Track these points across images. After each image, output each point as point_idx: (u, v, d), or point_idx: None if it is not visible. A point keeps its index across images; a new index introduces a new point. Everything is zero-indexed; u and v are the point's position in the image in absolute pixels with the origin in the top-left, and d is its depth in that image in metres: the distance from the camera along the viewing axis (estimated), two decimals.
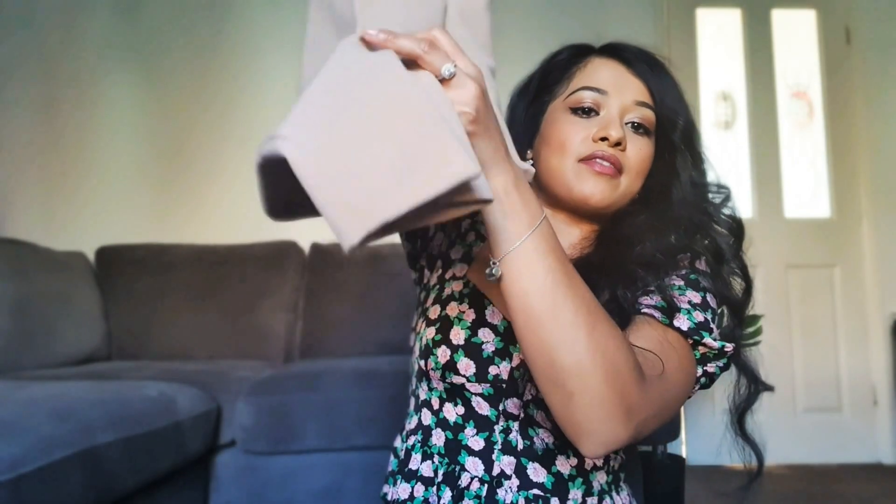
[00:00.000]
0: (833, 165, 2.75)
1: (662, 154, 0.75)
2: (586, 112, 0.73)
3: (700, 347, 0.65)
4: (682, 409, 2.54)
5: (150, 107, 2.56)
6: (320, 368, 1.58)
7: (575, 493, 0.69)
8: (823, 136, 2.78)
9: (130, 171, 2.53)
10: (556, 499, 0.68)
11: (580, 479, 0.70)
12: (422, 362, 0.73)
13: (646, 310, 0.65)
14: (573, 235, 0.76)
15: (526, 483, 0.68)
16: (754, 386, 0.73)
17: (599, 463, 0.72)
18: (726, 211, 0.75)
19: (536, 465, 0.68)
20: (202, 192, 2.51)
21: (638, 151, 0.72)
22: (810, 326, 2.67)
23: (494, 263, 0.53)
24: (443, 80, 0.47)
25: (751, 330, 2.30)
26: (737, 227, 0.74)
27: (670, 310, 0.64)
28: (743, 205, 2.75)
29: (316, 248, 2.22)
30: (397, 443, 0.81)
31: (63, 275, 1.98)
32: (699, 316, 0.65)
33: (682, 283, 0.68)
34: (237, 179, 2.49)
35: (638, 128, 0.73)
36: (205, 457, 1.47)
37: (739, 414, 0.75)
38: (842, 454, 2.60)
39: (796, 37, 2.82)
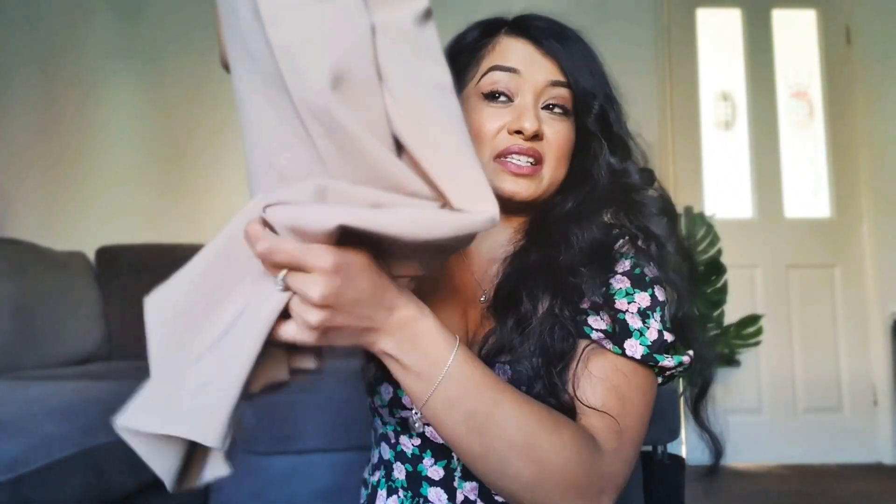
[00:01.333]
0: (833, 165, 2.75)
1: (581, 135, 0.70)
2: (498, 97, 0.67)
3: (657, 368, 0.63)
4: (682, 409, 2.54)
5: (150, 107, 2.56)
6: (320, 368, 1.57)
7: None
8: (824, 136, 2.78)
9: (131, 172, 2.53)
10: None
11: None
12: (369, 400, 0.72)
13: (595, 335, 0.62)
14: (505, 233, 0.71)
15: None
16: (707, 374, 0.71)
17: None
18: (651, 193, 0.69)
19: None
20: (202, 192, 2.51)
21: (556, 135, 0.67)
22: (810, 326, 2.67)
23: (416, 413, 0.53)
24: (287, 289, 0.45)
25: (751, 330, 2.31)
26: (666, 206, 0.69)
27: (621, 335, 0.61)
28: (743, 205, 2.75)
29: None
30: (366, 474, 0.79)
31: (63, 275, 1.98)
32: (652, 333, 0.62)
33: (627, 283, 0.64)
34: (237, 180, 2.48)
35: (554, 108, 0.68)
36: None
37: (694, 404, 0.73)
38: (842, 454, 2.60)
39: (797, 37, 2.82)
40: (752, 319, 2.26)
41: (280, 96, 0.47)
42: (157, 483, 1.22)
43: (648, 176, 0.70)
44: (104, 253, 2.19)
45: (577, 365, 0.61)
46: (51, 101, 2.53)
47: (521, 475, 0.50)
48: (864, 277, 2.69)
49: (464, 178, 0.47)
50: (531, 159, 0.66)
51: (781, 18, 2.81)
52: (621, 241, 0.68)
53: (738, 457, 2.59)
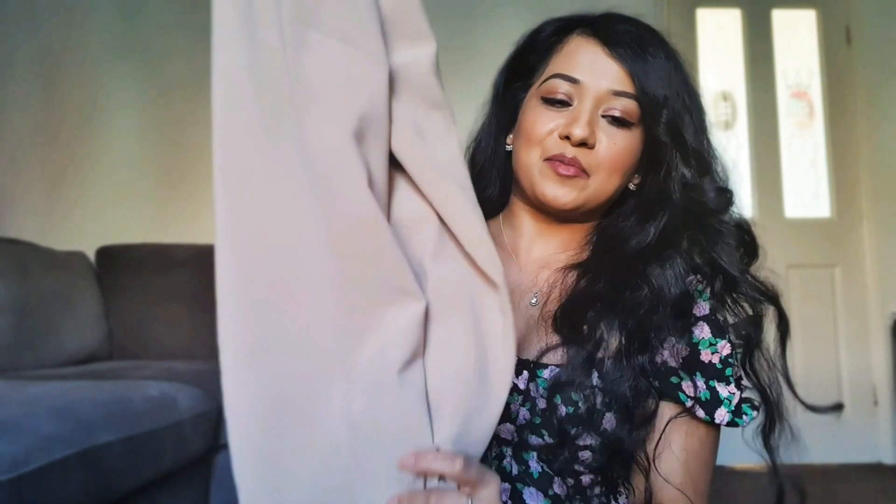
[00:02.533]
0: (833, 165, 2.74)
1: (652, 147, 0.66)
2: (559, 104, 0.65)
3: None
4: None
5: (150, 107, 2.56)
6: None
7: None
8: (824, 136, 2.78)
9: (131, 171, 2.53)
10: None
11: (578, 498, 0.65)
12: None
13: (689, 403, 0.61)
14: (556, 239, 0.70)
15: None
16: (775, 414, 0.70)
17: (597, 478, 0.68)
18: (730, 218, 0.65)
19: (532, 489, 0.64)
20: (203, 191, 2.51)
21: (612, 146, 0.64)
22: (811, 326, 2.67)
23: None
24: None
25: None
26: (745, 235, 0.65)
27: (712, 404, 0.61)
28: (743, 205, 2.74)
29: None
30: None
31: (64, 274, 1.98)
32: (737, 396, 0.63)
33: (708, 332, 0.62)
34: None
35: (615, 121, 0.64)
36: (206, 456, 1.47)
37: (765, 443, 0.72)
38: (842, 454, 2.60)
39: (797, 37, 2.82)
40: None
41: (280, 140, 0.45)
42: (158, 482, 1.22)
43: (726, 198, 0.67)
44: (104, 253, 2.19)
45: (660, 435, 0.60)
46: (51, 101, 2.53)
47: None
48: (864, 277, 2.69)
49: (470, 242, 0.49)
50: (572, 171, 0.63)
51: (781, 18, 2.81)
52: (692, 276, 0.65)
53: (738, 457, 2.58)
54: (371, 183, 0.44)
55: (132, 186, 2.52)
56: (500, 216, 0.76)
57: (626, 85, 0.64)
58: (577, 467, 0.62)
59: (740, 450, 2.64)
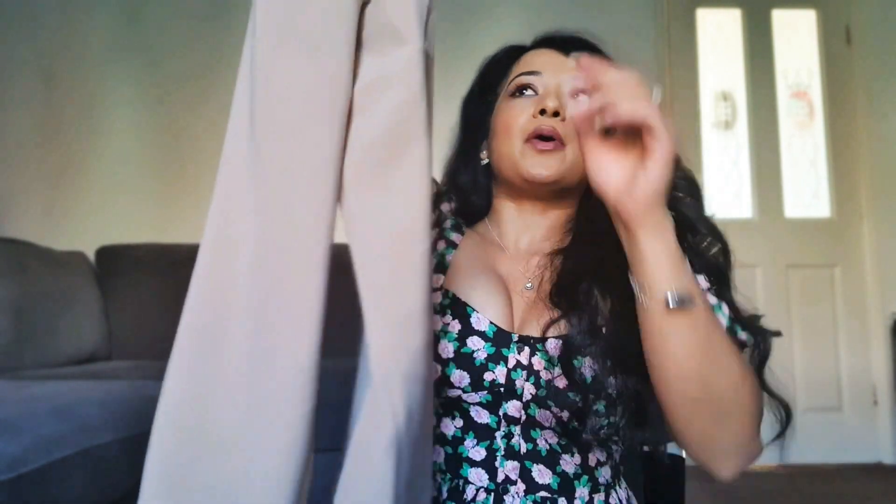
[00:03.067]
0: (833, 165, 2.75)
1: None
2: (525, 92, 0.74)
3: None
4: None
5: (150, 107, 2.56)
6: (320, 367, 1.57)
7: (581, 492, 0.68)
8: (824, 136, 2.78)
9: (131, 171, 2.53)
10: (563, 499, 0.67)
11: (586, 477, 0.69)
12: None
13: None
14: (542, 228, 0.77)
15: (532, 486, 0.66)
16: (760, 340, 0.72)
17: (603, 458, 0.71)
18: (682, 173, 0.72)
19: (541, 466, 0.67)
20: (203, 191, 2.51)
21: None
22: (810, 326, 2.67)
23: (679, 296, 0.53)
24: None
25: None
26: (691, 187, 0.72)
27: None
28: (743, 205, 2.75)
29: None
30: None
31: (63, 274, 1.98)
32: (726, 309, 0.66)
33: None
34: None
35: (576, 95, 0.72)
36: None
37: (758, 370, 0.73)
38: (842, 454, 2.60)
39: (796, 37, 2.82)
40: (753, 319, 2.26)
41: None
42: None
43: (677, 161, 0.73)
44: (104, 253, 2.19)
45: None
46: (51, 100, 2.53)
47: (732, 369, 0.54)
48: (864, 277, 2.69)
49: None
50: (550, 135, 0.70)
51: (781, 18, 2.81)
52: None
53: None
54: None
55: (132, 186, 2.52)
56: (486, 218, 0.82)
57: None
58: (588, 437, 0.65)
59: None
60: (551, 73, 0.73)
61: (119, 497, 1.08)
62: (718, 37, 2.81)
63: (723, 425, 0.53)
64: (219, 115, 2.68)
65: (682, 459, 2.02)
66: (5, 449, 0.86)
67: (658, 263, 0.53)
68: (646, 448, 0.72)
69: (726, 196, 2.75)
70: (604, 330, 0.65)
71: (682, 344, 0.54)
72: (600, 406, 0.64)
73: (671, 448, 1.89)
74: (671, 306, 0.53)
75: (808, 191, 2.77)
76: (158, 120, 2.55)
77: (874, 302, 2.65)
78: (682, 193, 0.70)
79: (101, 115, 2.54)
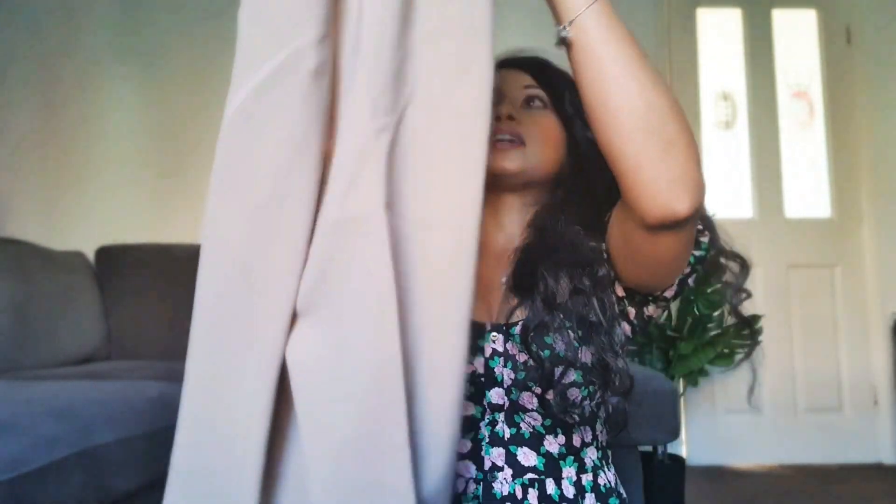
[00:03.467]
0: (834, 165, 2.74)
1: (568, 128, 0.80)
2: None
3: None
4: (682, 409, 2.54)
5: (150, 107, 2.56)
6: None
7: (569, 472, 0.70)
8: (824, 136, 2.78)
9: (131, 171, 2.53)
10: (551, 479, 0.69)
11: (571, 457, 0.71)
12: None
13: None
14: (517, 226, 0.81)
15: (518, 470, 0.69)
16: (739, 263, 0.78)
17: (588, 438, 0.73)
18: None
19: (525, 449, 0.70)
20: (202, 191, 2.50)
21: (535, 122, 0.78)
22: (811, 326, 2.66)
23: (564, 28, 0.54)
24: None
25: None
26: (704, 220, 0.75)
27: None
28: (743, 205, 2.75)
29: None
30: None
31: (63, 275, 1.98)
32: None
33: None
34: None
35: (530, 101, 0.80)
36: None
37: (734, 297, 0.80)
38: (842, 454, 2.60)
39: (797, 37, 2.82)
40: (753, 319, 2.26)
41: None
42: (156, 483, 1.22)
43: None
44: (104, 253, 2.19)
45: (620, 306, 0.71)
46: (50, 100, 2.52)
47: (663, 90, 0.54)
48: (864, 277, 2.69)
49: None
50: (508, 136, 0.75)
51: (782, 18, 2.81)
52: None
53: (738, 457, 2.58)
54: None
55: (131, 186, 2.52)
56: None
57: (532, 81, 0.81)
58: (572, 411, 0.68)
59: (741, 450, 2.64)
60: (508, 88, 0.80)
61: (118, 497, 1.08)
62: (718, 37, 2.81)
63: (671, 153, 0.53)
64: (218, 116, 2.68)
65: (683, 460, 2.02)
66: (4, 449, 0.86)
67: None
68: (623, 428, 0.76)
69: (726, 196, 2.75)
70: (567, 305, 0.68)
71: (606, 60, 0.54)
72: (577, 376, 0.66)
73: (671, 448, 1.88)
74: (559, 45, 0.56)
75: (808, 191, 2.76)
76: (158, 120, 2.55)
77: (874, 302, 2.65)
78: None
79: (100, 116, 2.54)
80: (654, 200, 0.54)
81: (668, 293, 0.72)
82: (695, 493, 2.16)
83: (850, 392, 2.64)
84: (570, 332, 0.67)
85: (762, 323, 2.29)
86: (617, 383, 0.68)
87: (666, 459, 1.90)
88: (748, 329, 0.78)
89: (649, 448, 1.89)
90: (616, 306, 0.70)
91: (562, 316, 0.67)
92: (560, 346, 0.66)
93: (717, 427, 2.60)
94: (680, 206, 0.53)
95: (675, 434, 1.50)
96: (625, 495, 0.75)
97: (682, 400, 2.17)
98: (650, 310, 0.73)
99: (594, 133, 0.57)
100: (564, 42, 0.55)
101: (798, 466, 2.53)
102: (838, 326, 2.67)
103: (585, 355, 0.67)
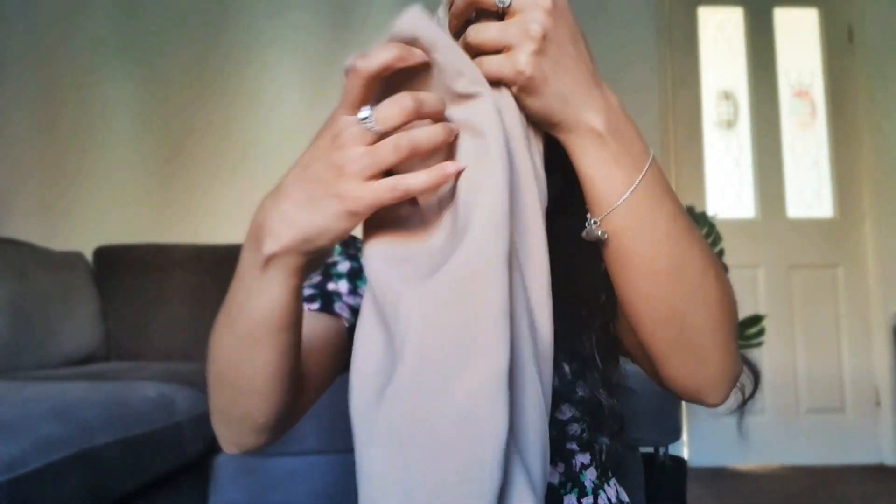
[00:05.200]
0: (836, 165, 2.74)
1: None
2: None
3: None
4: (684, 410, 2.53)
5: (149, 106, 2.55)
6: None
7: (570, 500, 0.66)
8: (826, 136, 2.77)
9: (129, 171, 2.52)
10: None
11: (570, 484, 0.67)
12: None
13: None
14: None
15: None
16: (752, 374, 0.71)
17: (587, 461, 0.69)
18: None
19: None
20: (201, 191, 2.50)
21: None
22: (813, 327, 2.66)
23: (595, 222, 0.45)
24: (502, 13, 0.41)
25: (753, 330, 2.30)
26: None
27: None
28: (745, 204, 2.74)
29: None
30: None
31: (62, 275, 1.98)
32: None
33: None
34: (236, 179, 2.48)
35: None
36: (204, 458, 1.46)
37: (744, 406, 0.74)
38: (844, 455, 2.59)
39: (798, 35, 2.81)
40: (755, 320, 2.25)
41: None
42: (156, 484, 1.21)
43: None
44: (102, 253, 2.18)
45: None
46: (48, 99, 2.52)
47: (708, 302, 0.45)
48: (866, 278, 2.68)
49: None
50: None
51: (783, 17, 2.81)
52: None
53: (741, 457, 2.58)
54: None
55: (130, 186, 2.51)
56: None
57: None
58: (569, 446, 0.64)
59: (743, 451, 2.64)
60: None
61: (117, 498, 1.08)
62: (720, 35, 2.81)
63: (701, 366, 0.47)
64: (217, 115, 2.68)
65: (684, 461, 2.00)
66: (3, 450, 0.86)
67: (592, 181, 0.44)
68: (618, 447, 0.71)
69: (728, 196, 2.74)
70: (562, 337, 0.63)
71: (638, 271, 0.45)
72: (576, 413, 0.63)
73: (672, 450, 1.87)
74: (600, 236, 0.45)
75: (810, 190, 2.76)
76: (157, 119, 2.55)
77: (877, 302, 2.65)
78: None
79: (99, 116, 2.53)
80: (682, 391, 0.49)
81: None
82: (696, 494, 2.15)
83: (853, 393, 2.64)
84: (564, 365, 0.62)
85: (764, 324, 2.30)
86: (608, 424, 0.64)
87: (667, 460, 1.89)
88: (751, 371, 0.69)
89: (651, 449, 1.88)
90: (612, 343, 0.64)
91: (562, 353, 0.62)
92: (555, 381, 0.61)
93: (718, 428, 2.59)
94: (710, 400, 0.49)
95: (676, 435, 1.49)
96: (627, 500, 0.73)
97: (682, 402, 2.16)
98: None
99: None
100: (594, 239, 0.46)
101: (800, 467, 2.53)
102: (840, 327, 2.67)
103: (581, 390, 0.63)
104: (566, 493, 0.66)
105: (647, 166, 0.43)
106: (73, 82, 2.53)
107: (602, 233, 0.45)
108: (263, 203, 0.43)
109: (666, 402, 1.47)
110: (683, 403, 2.30)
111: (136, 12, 2.58)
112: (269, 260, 0.42)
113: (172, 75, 2.56)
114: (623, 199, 0.43)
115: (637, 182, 0.43)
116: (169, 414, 1.27)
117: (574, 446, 0.66)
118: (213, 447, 1.47)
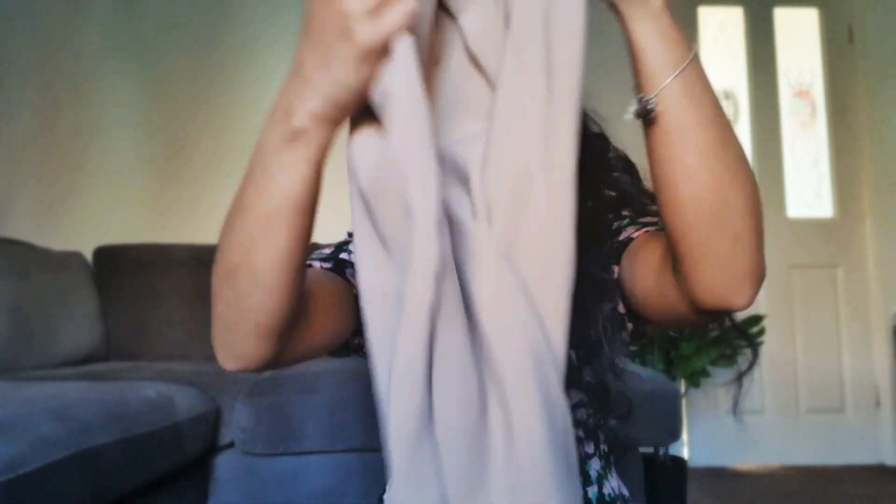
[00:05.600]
0: (836, 165, 2.74)
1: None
2: None
3: None
4: (684, 410, 2.53)
5: (148, 106, 2.55)
6: (320, 368, 1.57)
7: None
8: (826, 136, 2.77)
9: (129, 171, 2.52)
10: None
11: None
12: None
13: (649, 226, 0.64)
14: None
15: None
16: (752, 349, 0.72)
17: (591, 451, 0.71)
18: (613, 151, 0.74)
19: None
20: (201, 191, 2.50)
21: None
22: (813, 327, 2.66)
23: (646, 98, 0.47)
24: None
25: (753, 330, 2.30)
26: (626, 163, 0.73)
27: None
28: None
29: (313, 246, 2.21)
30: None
31: (61, 275, 1.97)
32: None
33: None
34: (236, 178, 2.44)
35: None
36: (204, 458, 1.46)
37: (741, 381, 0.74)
38: (844, 455, 2.59)
39: (798, 35, 2.81)
40: (755, 320, 2.25)
41: None
42: (156, 484, 1.21)
43: (605, 141, 0.74)
44: (102, 253, 2.18)
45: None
46: (48, 99, 2.52)
47: (746, 181, 0.47)
48: (866, 278, 2.68)
49: None
50: None
51: (783, 17, 2.81)
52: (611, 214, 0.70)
53: (740, 457, 2.58)
54: None
55: (130, 186, 2.51)
56: None
57: None
58: (577, 429, 0.65)
59: (743, 451, 2.63)
60: None
61: (117, 498, 1.08)
62: (720, 35, 2.81)
63: (737, 249, 0.47)
64: (217, 115, 2.68)
65: (684, 461, 2.00)
66: (3, 450, 0.85)
67: (647, 53, 0.47)
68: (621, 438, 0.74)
69: None
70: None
71: (687, 146, 0.47)
72: (582, 397, 0.65)
73: (673, 450, 1.86)
74: (639, 117, 0.48)
75: (810, 190, 2.76)
76: (157, 119, 2.55)
77: (877, 302, 2.65)
78: (619, 173, 0.71)
79: (98, 115, 2.53)
80: (711, 292, 0.49)
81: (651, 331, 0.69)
82: (697, 494, 2.15)
83: (853, 393, 2.64)
84: (570, 351, 0.63)
85: (764, 323, 2.30)
86: (615, 407, 0.66)
87: (667, 461, 1.89)
88: (747, 341, 0.70)
89: (651, 449, 1.88)
90: (618, 328, 0.66)
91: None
92: None
93: (718, 428, 2.59)
94: (738, 300, 0.49)
95: (676, 435, 1.49)
96: (627, 495, 0.74)
97: (683, 401, 2.16)
98: (649, 329, 0.68)
99: (658, 206, 0.51)
100: (644, 114, 0.48)
101: (800, 467, 2.53)
102: (840, 327, 2.67)
103: (587, 375, 0.64)
104: None
105: (694, 49, 0.47)
106: (73, 82, 2.53)
107: (653, 104, 0.46)
108: (285, 85, 0.45)
109: (666, 403, 1.47)
110: (684, 404, 2.30)
111: (136, 12, 2.58)
112: (299, 134, 0.43)
113: (172, 75, 2.56)
114: (678, 72, 0.46)
115: (690, 58, 0.46)
116: (168, 414, 1.27)
117: (580, 433, 0.67)
118: (213, 447, 1.47)
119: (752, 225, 0.47)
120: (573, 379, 0.63)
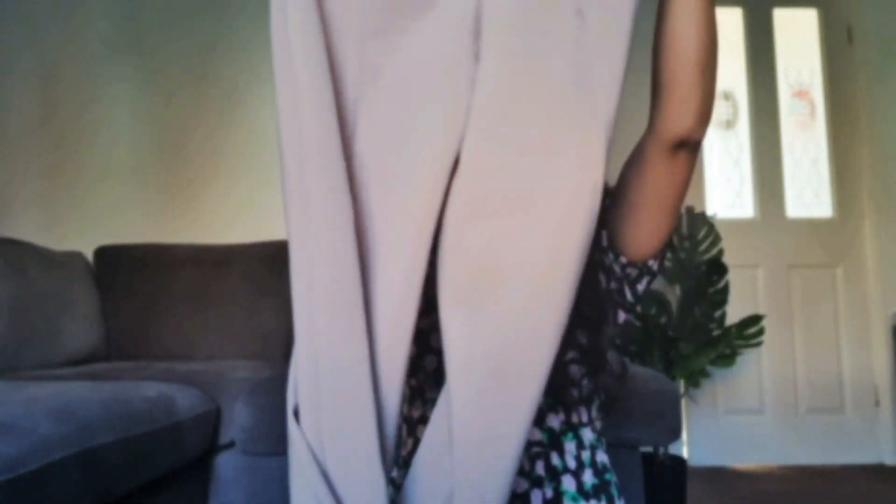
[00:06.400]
0: (835, 165, 2.74)
1: None
2: None
3: None
4: (684, 409, 2.54)
5: (149, 106, 2.56)
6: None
7: (569, 446, 0.74)
8: (825, 136, 2.77)
9: (129, 171, 2.52)
10: (555, 452, 0.73)
11: (571, 433, 0.74)
12: (412, 381, 0.76)
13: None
14: None
15: (525, 445, 0.70)
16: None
17: (585, 419, 0.76)
18: None
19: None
20: (202, 191, 2.51)
21: None
22: (812, 327, 2.66)
23: None
24: None
25: (753, 330, 2.30)
26: None
27: None
28: (745, 205, 2.74)
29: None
30: (394, 474, 0.78)
31: (62, 275, 1.98)
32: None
33: None
34: (237, 179, 2.48)
35: None
36: (204, 458, 1.46)
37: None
38: (844, 455, 2.59)
39: (798, 36, 2.81)
40: (754, 320, 2.25)
41: None
42: (157, 483, 1.21)
43: None
44: (103, 253, 2.18)
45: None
46: (49, 100, 2.52)
47: (716, 36, 0.63)
48: (865, 277, 2.68)
49: None
50: None
51: (783, 17, 2.81)
52: None
53: (740, 457, 2.58)
54: None
55: (131, 186, 2.51)
56: None
57: None
58: (571, 388, 0.72)
59: (743, 451, 2.63)
60: None
61: (117, 498, 1.08)
62: (720, 36, 2.80)
63: (712, 80, 0.61)
64: (217, 114, 2.67)
65: (684, 461, 2.01)
66: (4, 449, 0.86)
67: None
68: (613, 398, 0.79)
69: (728, 196, 2.74)
70: None
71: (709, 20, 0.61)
72: (575, 355, 0.71)
73: (672, 449, 1.87)
74: None
75: (809, 191, 2.76)
76: (158, 119, 2.55)
77: (876, 302, 2.65)
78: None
79: (99, 115, 2.53)
80: (674, 133, 0.60)
81: (654, 265, 0.73)
82: (696, 493, 2.15)
83: (852, 392, 2.64)
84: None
85: (763, 323, 2.30)
86: (610, 367, 0.72)
87: (667, 460, 1.89)
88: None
89: (650, 449, 1.88)
90: (613, 292, 0.72)
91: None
92: None
93: (718, 428, 2.59)
94: (697, 135, 0.60)
95: (676, 435, 1.49)
96: (615, 480, 0.78)
97: (683, 400, 2.16)
98: (642, 286, 0.74)
99: (657, 51, 0.64)
100: None
101: (799, 467, 2.53)
102: (840, 327, 2.67)
103: (581, 338, 0.70)
104: (567, 441, 0.73)
105: None
106: (74, 82, 2.53)
107: None
108: None
109: (666, 403, 1.47)
110: (683, 404, 2.30)
111: (136, 12, 2.58)
112: None
113: (172, 75, 2.56)
114: None
115: None
116: (169, 414, 1.27)
117: (574, 393, 0.72)
118: (213, 447, 1.47)
119: (714, 74, 0.61)
120: (567, 339, 0.66)
